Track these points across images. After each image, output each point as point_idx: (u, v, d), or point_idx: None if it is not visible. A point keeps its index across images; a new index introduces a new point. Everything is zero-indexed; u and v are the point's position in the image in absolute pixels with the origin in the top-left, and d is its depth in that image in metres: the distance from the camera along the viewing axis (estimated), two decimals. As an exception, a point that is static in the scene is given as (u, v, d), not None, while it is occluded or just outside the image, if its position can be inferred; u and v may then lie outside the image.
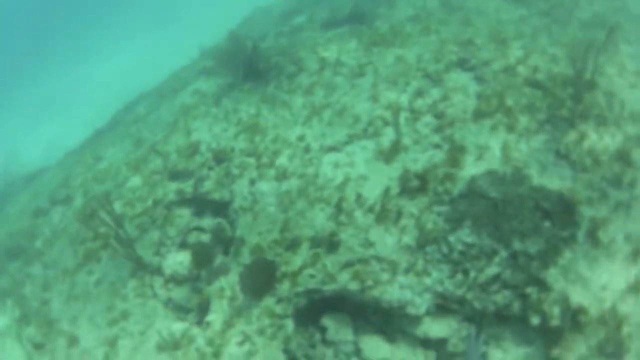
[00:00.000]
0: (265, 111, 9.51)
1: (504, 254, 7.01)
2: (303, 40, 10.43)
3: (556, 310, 6.47)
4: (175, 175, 9.45)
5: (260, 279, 7.37)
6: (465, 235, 7.19)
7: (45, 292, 8.72)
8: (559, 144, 7.43)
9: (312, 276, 7.55)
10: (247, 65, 9.53)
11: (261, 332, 7.33)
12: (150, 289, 8.43)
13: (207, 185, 9.11)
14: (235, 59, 9.57)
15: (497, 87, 7.95)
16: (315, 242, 7.74)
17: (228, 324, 7.57)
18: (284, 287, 7.47)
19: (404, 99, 8.72)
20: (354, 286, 7.40)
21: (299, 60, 9.69)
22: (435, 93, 8.56)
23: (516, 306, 6.80)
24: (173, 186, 9.31)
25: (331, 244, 7.64)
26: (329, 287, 7.50)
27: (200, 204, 8.99)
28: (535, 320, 6.67)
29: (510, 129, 7.69)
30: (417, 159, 7.79)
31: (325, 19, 10.38)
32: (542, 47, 8.51)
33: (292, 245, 7.85)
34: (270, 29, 11.14)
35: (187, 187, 9.26)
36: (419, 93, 8.72)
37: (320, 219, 7.79)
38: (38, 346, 8.25)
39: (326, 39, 9.97)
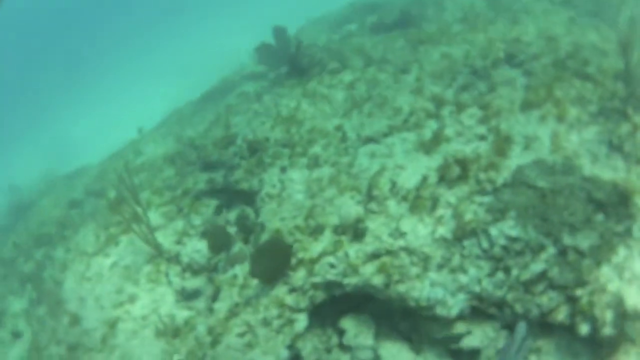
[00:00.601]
0: (305, 105, 8.98)
1: (552, 250, 5.89)
2: (351, 42, 10.09)
3: (609, 316, 5.23)
4: (209, 165, 9.05)
5: (273, 263, 6.64)
6: (508, 228, 6.13)
7: (60, 274, 8.41)
8: (612, 135, 6.42)
9: (332, 266, 6.67)
10: (291, 62, 9.21)
11: (266, 323, 6.43)
12: (164, 277, 7.88)
13: (237, 174, 8.57)
14: (279, 55, 9.37)
15: (546, 79, 7.16)
16: (339, 230, 6.99)
17: (233, 313, 6.81)
18: (299, 276, 6.45)
19: (449, 93, 8.00)
20: (378, 281, 6.49)
21: (343, 58, 9.27)
22: (481, 86, 7.78)
23: (563, 311, 5.63)
24: (204, 176, 8.87)
25: (356, 232, 6.80)
26: (350, 281, 6.61)
27: (230, 194, 8.40)
28: (584, 329, 5.41)
29: (560, 119, 6.66)
30: (460, 150, 7.01)
31: (374, 24, 10.09)
32: (591, 42, 7.64)
33: (315, 232, 7.08)
34: (321, 37, 10.97)
35: (219, 177, 8.85)
36: (465, 87, 7.93)
37: (348, 206, 7.07)
38: (42, 325, 7.94)
39: (374, 41, 9.56)
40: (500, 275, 5.87)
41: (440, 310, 5.98)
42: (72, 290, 7.74)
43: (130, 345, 6.78)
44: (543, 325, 5.58)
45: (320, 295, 6.60)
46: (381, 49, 9.01)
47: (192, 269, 7.70)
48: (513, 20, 8.24)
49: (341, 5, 11.43)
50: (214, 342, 6.30)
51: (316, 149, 7.96)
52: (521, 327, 4.75)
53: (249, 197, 8.16)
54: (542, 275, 5.62)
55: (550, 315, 5.51)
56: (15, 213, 10.92)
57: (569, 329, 5.46)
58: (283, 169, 8.02)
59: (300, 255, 6.61)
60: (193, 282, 7.59)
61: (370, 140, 7.90)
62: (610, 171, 5.94)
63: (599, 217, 5.67)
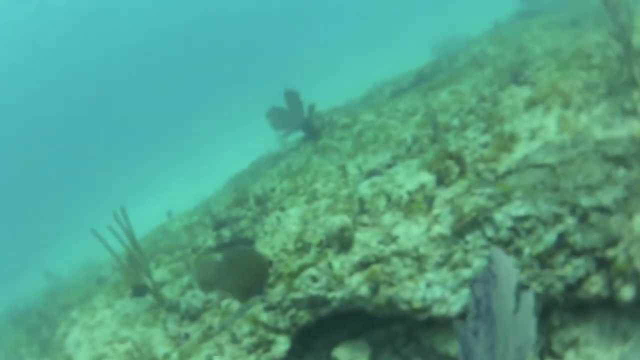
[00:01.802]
0: (315, 158, 8.35)
1: (569, 217, 4.55)
2: (365, 104, 9.91)
3: None
4: (219, 224, 8.57)
5: (247, 277, 5.64)
6: (515, 208, 4.94)
7: (68, 328, 7.84)
8: (624, 103, 5.25)
9: (314, 279, 5.54)
10: (304, 125, 9.09)
11: (234, 340, 5.32)
12: (160, 322, 7.03)
13: (243, 224, 8.03)
14: (292, 118, 9.30)
15: (550, 79, 6.33)
16: (324, 243, 5.97)
17: (206, 336, 5.70)
18: (277, 291, 5.29)
19: (455, 121, 7.32)
20: (365, 290, 5.30)
21: (355, 114, 9.00)
22: (487, 106, 7.10)
23: (596, 280, 4.06)
24: (214, 234, 8.46)
25: (342, 242, 5.77)
26: (335, 295, 5.40)
27: (235, 246, 7.92)
28: (627, 293, 3.76)
29: (566, 105, 5.52)
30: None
31: (392, 91, 9.89)
32: (595, 41, 6.77)
33: (300, 251, 6.07)
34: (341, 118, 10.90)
35: (227, 231, 8.35)
36: (471, 111, 7.31)
37: (334, 219, 6.15)
38: None
39: (388, 100, 9.32)
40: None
41: (438, 309, 4.62)
42: (74, 338, 7.10)
43: None
44: (575, 310, 4.09)
45: (304, 316, 5.38)
46: (393, 103, 8.76)
47: (190, 315, 6.87)
48: (520, 49, 7.80)
49: (362, 89, 11.63)
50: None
51: (316, 186, 7.37)
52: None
53: (251, 243, 7.52)
54: (560, 244, 4.29)
55: (580, 288, 4.04)
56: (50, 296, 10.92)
57: (608, 303, 3.95)
58: (283, 209, 7.41)
59: (279, 269, 5.68)
60: (188, 329, 6.73)
61: (373, 173, 7.12)
62: (625, 130, 4.82)
63: (620, 171, 4.40)
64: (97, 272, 10.13)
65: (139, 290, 7.57)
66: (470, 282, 3.38)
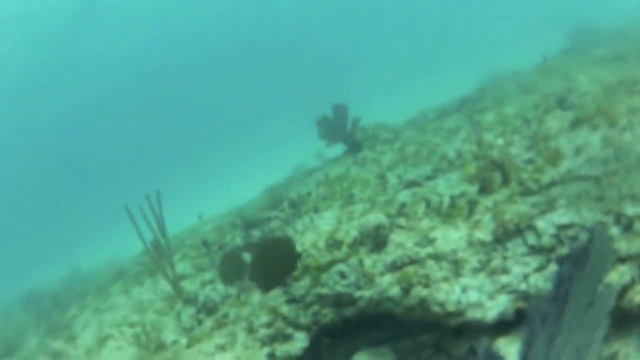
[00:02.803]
0: (354, 169, 8.17)
1: (614, 226, 4.22)
2: (407, 124, 9.80)
3: None
4: (250, 224, 8.40)
5: (274, 266, 5.41)
6: (558, 217, 4.62)
7: (79, 311, 7.73)
8: None
9: (343, 275, 5.30)
10: (347, 138, 9.02)
11: (250, 330, 5.06)
12: (174, 312, 6.83)
13: (274, 224, 7.83)
14: (337, 129, 9.23)
15: (595, 102, 6.11)
16: (357, 241, 5.74)
17: (220, 324, 5.48)
18: (301, 284, 5.12)
19: (500, 140, 7.10)
20: (396, 290, 5.00)
21: (397, 130, 8.87)
22: (532, 127, 6.80)
23: None
24: (243, 233, 8.27)
25: (377, 241, 5.53)
26: (364, 294, 5.13)
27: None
28: None
29: (612, 126, 5.28)
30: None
31: (436, 115, 9.75)
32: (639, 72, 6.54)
33: (331, 247, 5.84)
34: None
35: (257, 232, 8.19)
36: (516, 131, 7.06)
37: (373, 219, 5.91)
38: (40, 345, 7.04)
39: (434, 123, 9.17)
40: (553, 267, 4.26)
41: (473, 313, 4.31)
42: (83, 319, 7.01)
43: (110, 356, 5.65)
44: (616, 321, 3.72)
45: (327, 314, 5.13)
46: (437, 123, 8.60)
47: (207, 308, 6.67)
48: (565, 78, 7.60)
49: (406, 115, 11.52)
50: (188, 347, 5.02)
51: (353, 192, 7.21)
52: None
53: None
54: None
55: (624, 297, 3.70)
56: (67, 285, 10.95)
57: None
58: (317, 211, 7.24)
59: (307, 261, 5.47)
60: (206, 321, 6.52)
61: (412, 184, 6.90)
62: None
63: None
64: (118, 267, 10.12)
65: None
66: (561, 258, 3.12)
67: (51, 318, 9.18)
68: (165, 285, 7.15)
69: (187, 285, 7.21)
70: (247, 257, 6.68)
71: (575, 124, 5.98)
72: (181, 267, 7.70)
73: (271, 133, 35.53)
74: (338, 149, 9.93)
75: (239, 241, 7.89)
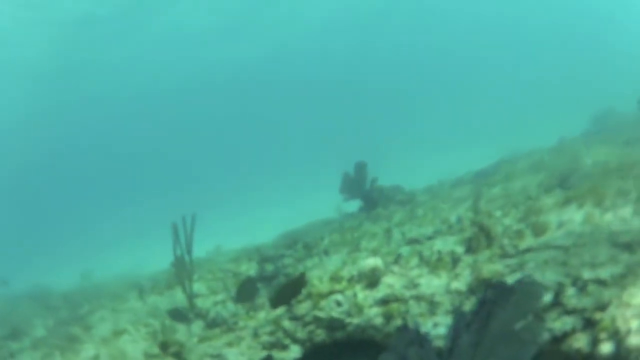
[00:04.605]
0: (367, 222, 9.72)
1: (570, 287, 5.36)
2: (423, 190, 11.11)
3: (635, 324, 4.39)
4: (265, 259, 9.75)
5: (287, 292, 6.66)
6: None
7: (97, 310, 9.09)
8: None
9: (338, 303, 6.55)
10: (365, 196, 10.40)
11: (255, 334, 6.29)
12: (187, 323, 8.08)
13: (287, 261, 9.16)
14: (356, 186, 10.62)
15: (590, 183, 7.34)
16: (354, 278, 6.96)
17: (229, 329, 6.69)
18: (303, 306, 6.42)
19: (499, 212, 8.35)
20: (379, 320, 6.20)
21: (411, 194, 10.23)
22: (530, 203, 8.08)
23: (581, 337, 4.78)
24: (257, 266, 9.60)
25: (371, 280, 6.75)
26: (353, 320, 6.34)
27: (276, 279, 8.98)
28: (606, 347, 4.50)
29: (597, 205, 6.58)
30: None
31: (451, 186, 11.11)
32: None
33: (332, 280, 7.11)
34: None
35: (270, 266, 9.45)
36: (515, 205, 8.31)
37: (370, 262, 7.16)
38: (55, 330, 8.46)
39: (448, 190, 10.50)
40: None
41: (439, 344, 5.50)
42: (100, 315, 8.33)
43: (124, 346, 6.92)
44: None
45: (320, 334, 6.41)
46: (449, 191, 9.96)
47: (216, 323, 7.93)
48: (573, 160, 8.88)
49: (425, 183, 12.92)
50: (198, 342, 6.31)
51: (360, 242, 8.54)
52: None
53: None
54: (556, 304, 5.15)
55: (565, 341, 4.84)
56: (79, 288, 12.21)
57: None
58: (327, 253, 8.59)
59: (311, 290, 6.75)
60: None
61: (414, 241, 8.26)
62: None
63: (624, 255, 5.31)
64: (131, 280, 11.47)
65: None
66: (487, 284, 4.41)
67: (61, 313, 10.46)
68: (180, 298, 8.51)
69: (200, 302, 8.57)
70: (259, 285, 8.08)
71: (566, 201, 7.30)
72: (196, 287, 9.06)
73: (293, 180, 37.68)
74: (356, 203, 11.38)
75: (253, 272, 9.26)
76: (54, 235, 38.36)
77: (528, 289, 4.31)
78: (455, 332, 3.90)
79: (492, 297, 4.01)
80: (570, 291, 5.28)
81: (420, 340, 4.30)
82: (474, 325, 3.93)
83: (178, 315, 8.21)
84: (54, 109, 47.39)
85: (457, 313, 3.92)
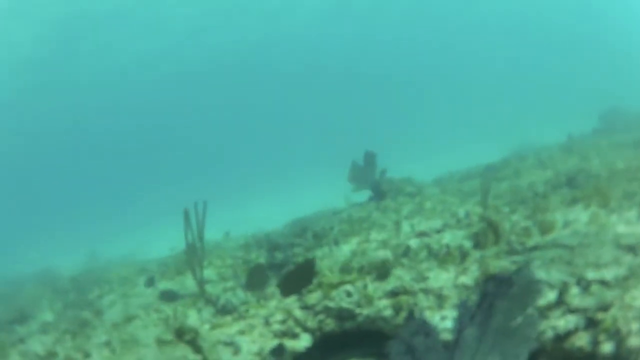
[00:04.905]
0: (375, 213, 9.94)
1: (575, 289, 5.61)
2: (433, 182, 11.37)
3: (635, 327, 4.64)
4: (275, 247, 10.05)
5: (297, 279, 6.94)
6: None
7: (106, 295, 9.45)
8: None
9: (348, 294, 6.82)
10: (374, 186, 10.64)
11: (266, 323, 6.58)
12: (197, 310, 8.38)
13: (296, 250, 9.44)
14: (365, 176, 10.86)
15: (597, 184, 7.56)
16: (364, 269, 7.24)
17: (241, 317, 6.99)
18: (314, 296, 6.68)
19: (507, 208, 8.56)
20: (389, 312, 6.47)
21: (421, 186, 10.46)
22: (537, 200, 8.31)
23: (583, 336, 5.05)
24: (267, 254, 9.91)
25: (381, 272, 7.02)
26: (362, 311, 6.61)
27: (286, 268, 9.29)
28: (607, 347, 4.76)
29: (603, 206, 6.81)
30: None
31: (461, 177, 11.34)
32: None
33: (342, 271, 7.39)
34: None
35: (280, 254, 9.76)
36: (522, 202, 8.54)
37: (381, 254, 7.44)
38: (65, 314, 8.79)
39: (456, 184, 10.74)
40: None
41: (446, 337, 5.78)
42: (110, 299, 8.64)
43: (135, 332, 7.22)
44: None
45: (330, 324, 6.69)
46: (458, 185, 10.18)
47: (226, 310, 8.23)
48: (582, 159, 9.10)
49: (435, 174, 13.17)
50: (211, 329, 6.61)
51: (370, 233, 8.80)
52: None
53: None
54: (560, 302, 5.40)
55: (567, 339, 5.10)
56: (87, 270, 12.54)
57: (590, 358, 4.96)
58: (336, 243, 8.85)
59: (322, 280, 7.02)
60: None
61: (422, 234, 8.53)
62: (645, 229, 5.97)
63: (628, 257, 5.56)
64: (139, 265, 11.79)
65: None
66: (486, 278, 4.65)
67: (70, 296, 10.76)
68: (190, 284, 8.79)
69: (210, 289, 8.84)
70: (270, 274, 8.35)
71: (573, 201, 7.53)
72: (206, 273, 9.34)
73: (301, 168, 38.26)
74: (364, 194, 11.61)
75: (262, 260, 9.54)
76: (64, 220, 39.10)
77: (526, 282, 4.52)
78: (460, 325, 4.15)
79: (492, 289, 4.25)
80: (574, 290, 5.53)
81: (426, 330, 4.55)
82: (477, 317, 4.18)
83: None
84: (68, 91, 47.87)
85: (461, 305, 4.15)
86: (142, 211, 35.67)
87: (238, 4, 43.38)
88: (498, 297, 4.15)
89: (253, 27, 47.84)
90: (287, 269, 7.31)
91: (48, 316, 9.57)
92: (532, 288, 4.44)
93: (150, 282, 9.72)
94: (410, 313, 4.02)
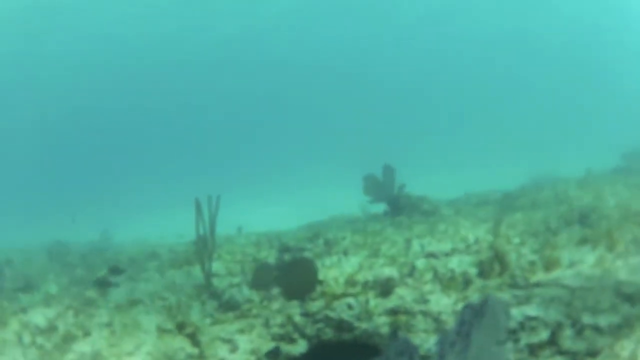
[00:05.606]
0: (389, 228, 10.28)
1: (568, 330, 5.85)
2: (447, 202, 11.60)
3: None
4: (285, 249, 10.42)
5: (299, 281, 7.28)
6: (529, 310, 6.32)
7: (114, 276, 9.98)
8: None
9: (350, 307, 7.16)
10: (392, 201, 10.92)
11: (266, 324, 6.96)
12: (201, 303, 8.79)
13: (306, 255, 9.79)
14: (383, 189, 11.15)
15: (608, 226, 7.73)
16: (368, 284, 7.55)
17: (243, 314, 7.36)
18: (316, 304, 7.02)
19: (517, 239, 8.80)
20: (385, 330, 6.77)
21: (437, 206, 10.72)
22: (548, 235, 8.51)
23: None
24: (277, 254, 10.26)
25: (384, 289, 7.32)
26: (361, 325, 6.93)
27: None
28: None
29: (610, 249, 7.04)
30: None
31: (478, 202, 11.54)
32: None
33: (347, 284, 7.71)
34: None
35: (288, 257, 10.10)
36: (534, 235, 8.75)
37: (386, 271, 7.74)
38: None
39: (472, 208, 10.97)
40: (508, 344, 5.98)
41: (434, 361, 6.08)
42: (116, 282, 9.13)
43: (138, 317, 7.67)
44: None
45: (328, 333, 7.04)
46: (474, 209, 10.41)
47: (229, 305, 8.61)
48: (597, 198, 9.25)
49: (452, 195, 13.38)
50: (211, 324, 7.03)
51: (380, 247, 9.11)
52: None
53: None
54: (551, 342, 5.65)
55: None
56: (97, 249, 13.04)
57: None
58: (346, 254, 9.18)
59: (326, 290, 7.36)
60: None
61: (431, 255, 8.80)
62: (645, 279, 6.17)
63: (626, 306, 5.77)
64: (149, 249, 12.24)
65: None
66: (464, 305, 4.92)
67: (77, 272, 11.21)
68: (198, 275, 9.18)
69: (216, 282, 9.23)
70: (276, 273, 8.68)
71: (582, 241, 7.72)
72: (215, 267, 9.72)
73: (322, 171, 38.95)
74: (380, 205, 11.92)
75: (271, 260, 9.89)
76: (86, 200, 40.68)
77: (494, 309, 4.78)
78: (441, 351, 4.44)
79: (469, 317, 4.53)
80: (568, 332, 5.78)
81: (410, 351, 4.85)
82: (457, 345, 4.47)
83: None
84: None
85: (441, 332, 4.44)
86: (159, 197, 36.81)
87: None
88: (472, 325, 4.44)
89: (278, 23, 48.94)
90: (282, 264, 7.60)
91: (53, 288, 9.97)
92: (500, 313, 4.72)
93: (158, 269, 10.16)
94: (394, 332, 4.31)
